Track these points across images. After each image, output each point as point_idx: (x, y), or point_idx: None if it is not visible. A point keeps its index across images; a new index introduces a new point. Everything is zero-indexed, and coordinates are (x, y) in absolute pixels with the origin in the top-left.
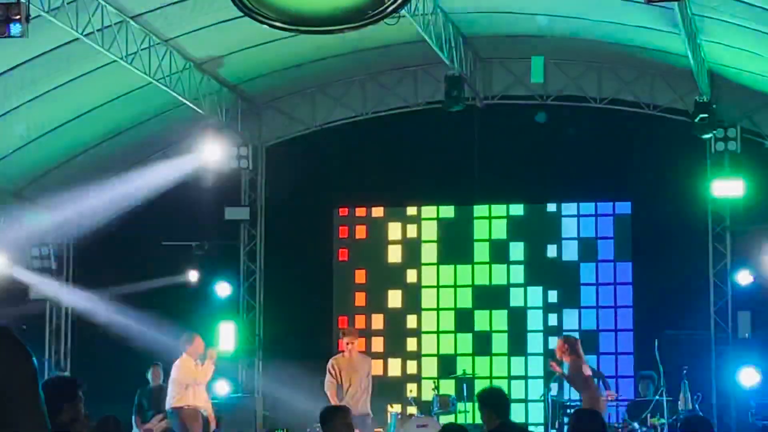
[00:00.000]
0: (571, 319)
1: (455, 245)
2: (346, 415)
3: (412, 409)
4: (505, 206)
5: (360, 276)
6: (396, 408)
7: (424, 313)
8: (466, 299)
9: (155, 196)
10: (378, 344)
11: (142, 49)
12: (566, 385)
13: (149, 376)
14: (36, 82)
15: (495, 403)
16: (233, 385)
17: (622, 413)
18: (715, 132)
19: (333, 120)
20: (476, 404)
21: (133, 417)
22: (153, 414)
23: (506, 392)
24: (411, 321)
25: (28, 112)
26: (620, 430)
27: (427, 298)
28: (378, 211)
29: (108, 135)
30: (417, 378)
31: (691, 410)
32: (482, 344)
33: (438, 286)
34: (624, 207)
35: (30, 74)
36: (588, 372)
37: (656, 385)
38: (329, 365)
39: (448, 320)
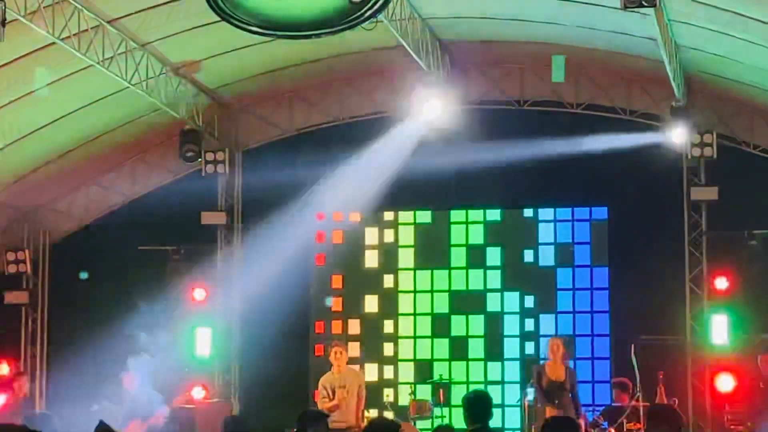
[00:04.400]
0: (547, 324)
1: (432, 250)
2: (325, 421)
3: (388, 415)
4: (482, 211)
5: (337, 281)
6: (372, 414)
7: (400, 318)
8: (442, 304)
9: (132, 200)
10: (354, 349)
11: (118, 54)
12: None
13: (123, 381)
14: (12, 86)
15: (471, 407)
16: (209, 390)
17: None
18: (691, 138)
19: (310, 125)
20: (452, 409)
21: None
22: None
23: (488, 396)
24: (388, 326)
25: (5, 116)
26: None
27: (404, 303)
28: (355, 216)
29: (84, 139)
30: (393, 383)
31: None
32: (459, 349)
33: (415, 291)
34: (600, 212)
35: (6, 78)
36: None
37: (630, 391)
38: (320, 386)
39: (425, 325)
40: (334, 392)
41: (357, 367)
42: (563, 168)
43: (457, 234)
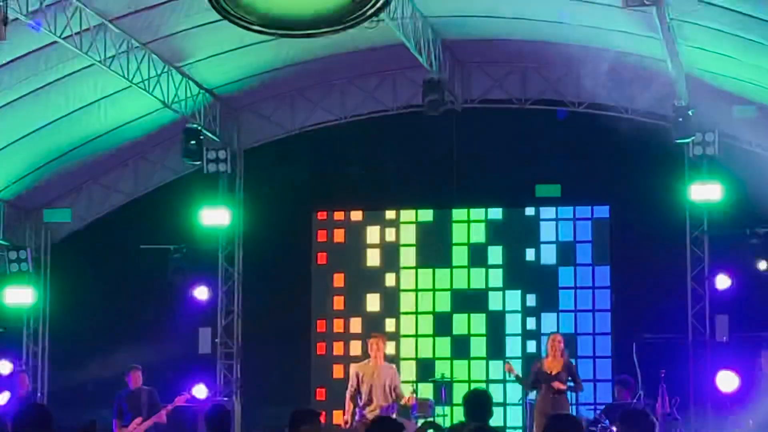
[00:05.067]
0: (549, 323)
1: (434, 249)
2: (316, 421)
3: None
4: (483, 210)
5: (338, 280)
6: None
7: (402, 316)
8: (444, 303)
9: (133, 199)
10: (356, 348)
11: (120, 53)
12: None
13: (128, 379)
14: (14, 85)
15: (471, 406)
16: (212, 388)
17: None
18: (693, 137)
19: (312, 124)
20: (454, 408)
21: (113, 421)
22: (132, 418)
23: (488, 395)
24: (390, 325)
25: (6, 115)
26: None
27: (406, 301)
28: (356, 215)
29: (87, 138)
30: None
31: (669, 413)
32: (461, 348)
33: (416, 290)
34: (602, 211)
35: (8, 77)
36: None
37: (632, 389)
38: (352, 372)
39: (427, 324)
40: (361, 383)
41: (394, 365)
42: (565, 167)
43: (458, 233)
